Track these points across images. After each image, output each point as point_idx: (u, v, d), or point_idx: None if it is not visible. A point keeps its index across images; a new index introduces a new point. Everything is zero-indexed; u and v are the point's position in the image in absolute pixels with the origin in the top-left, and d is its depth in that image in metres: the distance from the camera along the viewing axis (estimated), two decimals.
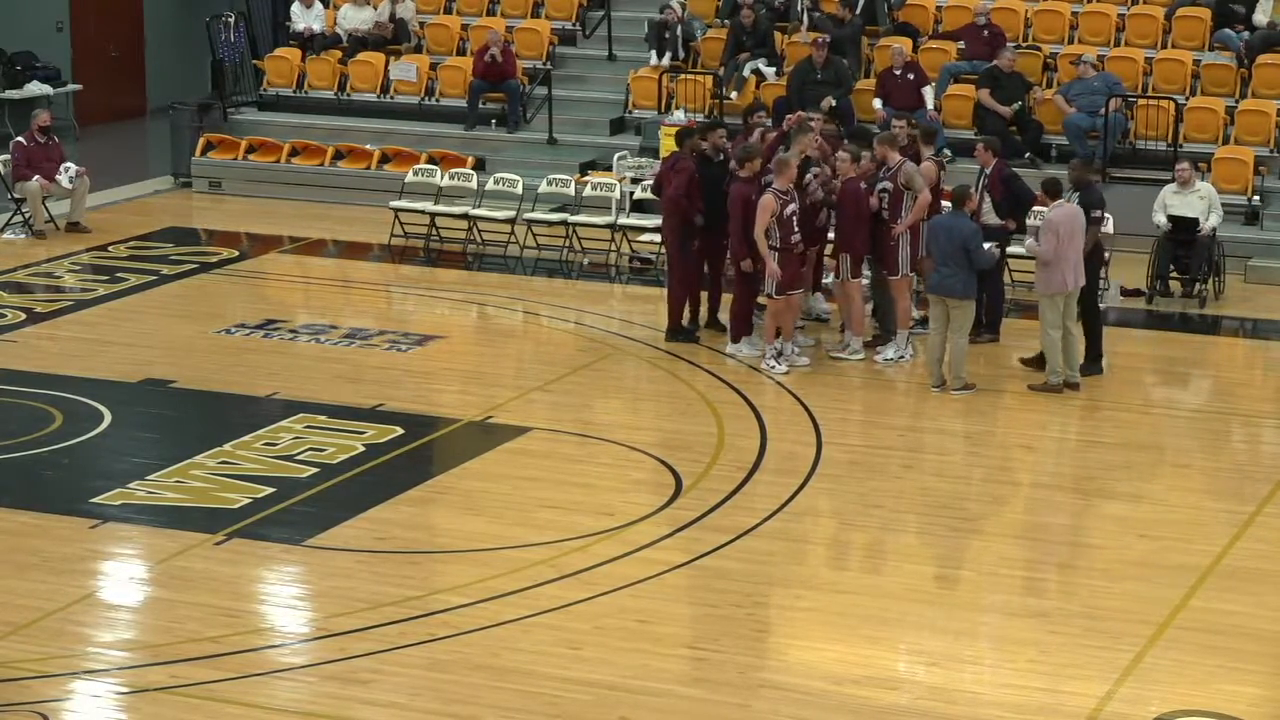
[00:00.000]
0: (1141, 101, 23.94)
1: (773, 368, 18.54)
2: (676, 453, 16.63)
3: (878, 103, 24.40)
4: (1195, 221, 21.11)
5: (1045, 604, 13.78)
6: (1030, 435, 17.44)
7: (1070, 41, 25.48)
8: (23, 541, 14.64)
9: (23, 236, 24.15)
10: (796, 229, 18.29)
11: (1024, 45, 25.32)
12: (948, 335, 18.09)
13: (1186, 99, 24.07)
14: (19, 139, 24.80)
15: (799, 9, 26.26)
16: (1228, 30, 24.75)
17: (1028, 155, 23.87)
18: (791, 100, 24.24)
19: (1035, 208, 19.58)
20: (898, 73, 24.47)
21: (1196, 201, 21.23)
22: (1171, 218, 21.12)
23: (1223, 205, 21.57)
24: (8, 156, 24.63)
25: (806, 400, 17.90)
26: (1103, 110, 23.60)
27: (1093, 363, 18.62)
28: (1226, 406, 18.71)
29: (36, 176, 24.20)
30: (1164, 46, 25.09)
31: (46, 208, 24.37)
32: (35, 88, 29.30)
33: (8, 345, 19.65)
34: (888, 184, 18.67)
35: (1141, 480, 16.58)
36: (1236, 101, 24.11)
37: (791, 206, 18.26)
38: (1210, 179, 22.35)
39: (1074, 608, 13.57)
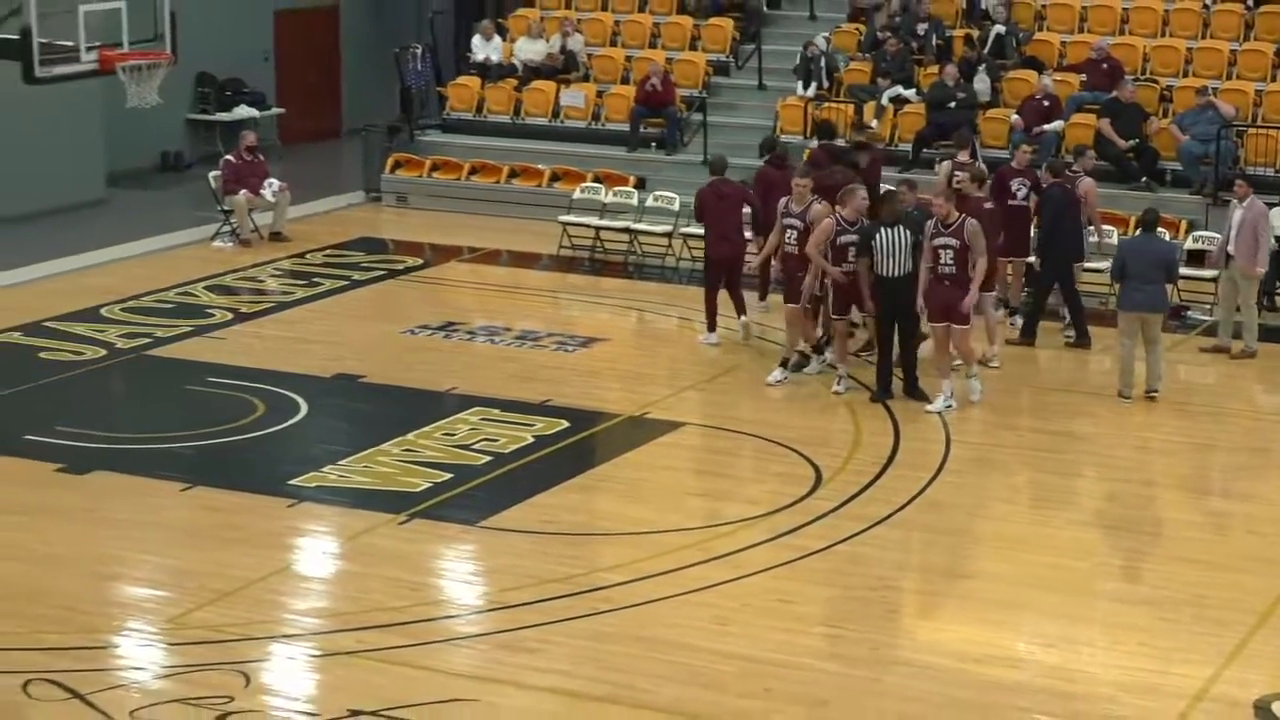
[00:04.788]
0: (1251, 130, 23.60)
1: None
2: (816, 447, 16.57)
3: (1015, 119, 24.28)
4: None
5: (1156, 592, 13.61)
6: (1143, 437, 17.23)
7: (1185, 75, 25.16)
8: (229, 518, 14.85)
9: (230, 244, 24.47)
10: (851, 259, 17.71)
11: (1142, 78, 25.03)
12: (1146, 346, 17.87)
13: None
14: (228, 157, 25.16)
15: (932, 43, 26.16)
16: None
17: (1144, 180, 23.61)
18: (931, 122, 24.36)
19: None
20: (1038, 97, 24.33)
21: None
22: (1276, 237, 20.79)
23: None
24: (218, 172, 24.98)
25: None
26: (1215, 139, 23.29)
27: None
28: None
29: (243, 190, 24.54)
30: (1273, 80, 24.71)
31: (252, 218, 24.69)
32: (243, 111, 29.65)
33: (217, 342, 19.91)
34: (951, 240, 17.31)
35: (1249, 481, 16.36)
36: None
37: (847, 236, 17.78)
38: None
39: (1183, 596, 13.40)
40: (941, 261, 17.31)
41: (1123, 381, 18.07)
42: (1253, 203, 19.40)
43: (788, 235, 18.26)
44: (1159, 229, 18.92)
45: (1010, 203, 19.75)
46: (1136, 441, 17.15)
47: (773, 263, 19.13)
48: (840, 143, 21.78)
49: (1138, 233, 18.89)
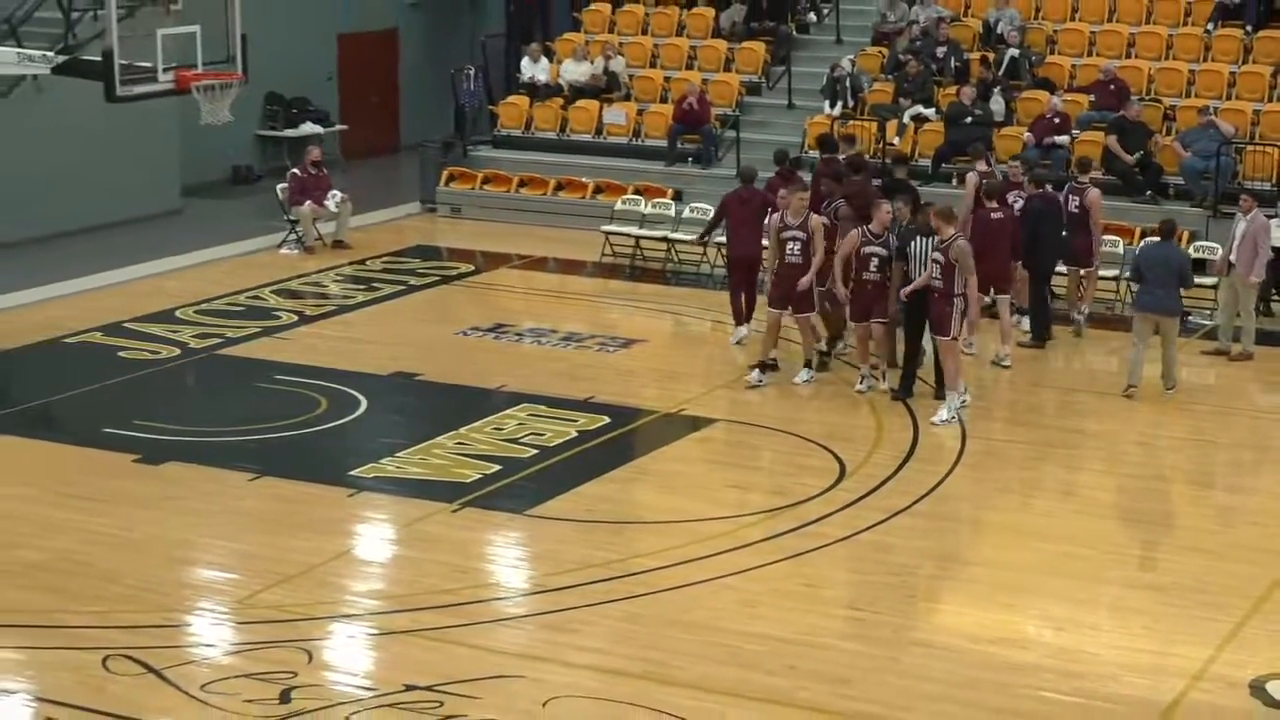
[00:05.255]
0: (1249, 147, 23.49)
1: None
2: (841, 442, 16.55)
3: (1027, 135, 24.24)
4: None
5: (1159, 579, 13.57)
6: (1149, 434, 17.16)
7: (1188, 95, 25.06)
8: (293, 507, 14.89)
9: (296, 251, 24.54)
10: (873, 269, 17.67)
11: (1147, 98, 24.94)
12: (1163, 346, 17.95)
13: None
14: (294, 170, 25.23)
15: (951, 65, 26.12)
16: None
17: (1149, 193, 23.54)
18: (949, 138, 24.35)
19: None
20: (1048, 115, 24.27)
21: None
22: (1274, 248, 20.65)
23: None
24: (285, 185, 25.05)
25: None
26: (1215, 155, 23.19)
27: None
28: None
29: (308, 201, 24.62)
30: (1270, 100, 24.60)
31: (316, 228, 24.76)
32: (308, 128, 29.72)
33: (283, 342, 19.97)
34: (939, 256, 17.11)
35: (1248, 475, 16.30)
36: None
37: (871, 248, 17.69)
38: None
39: (1184, 583, 13.35)
40: (931, 275, 17.18)
41: (1130, 378, 18.03)
42: (1256, 216, 19.34)
43: (790, 247, 18.01)
44: (1174, 238, 18.84)
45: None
46: (1142, 438, 17.08)
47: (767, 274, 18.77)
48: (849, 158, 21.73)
49: (1155, 240, 18.90)
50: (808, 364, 18.43)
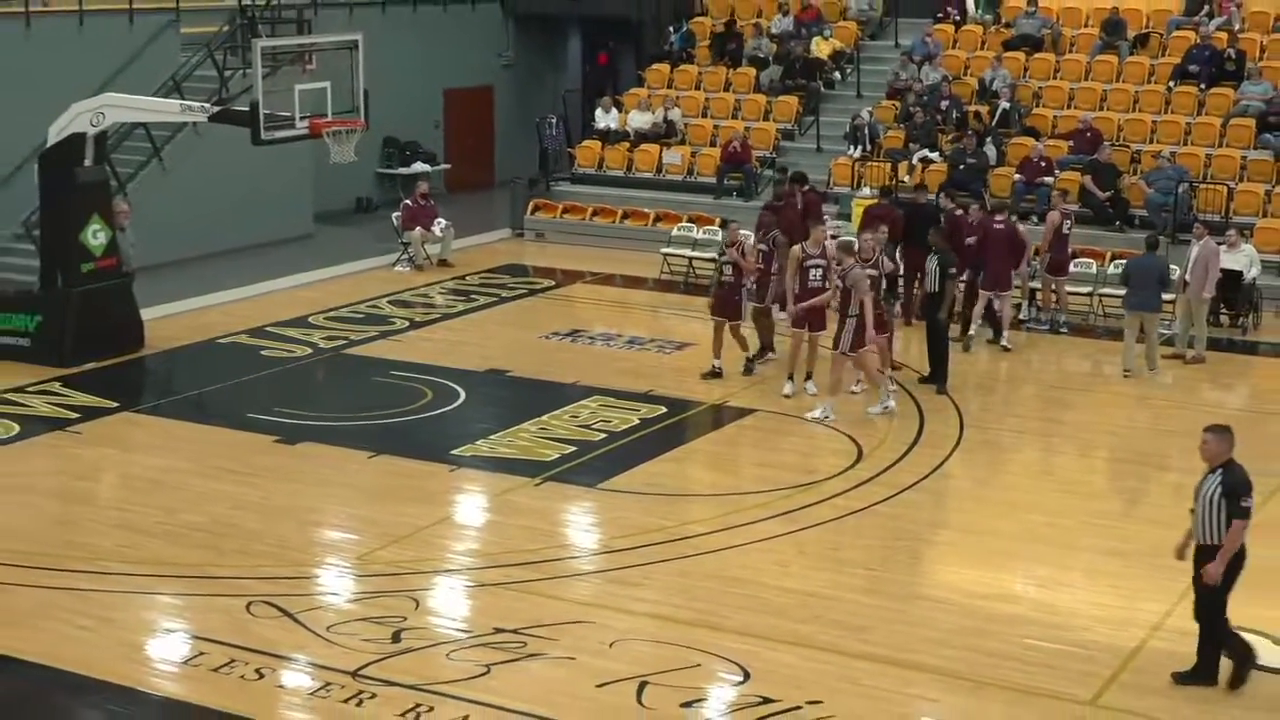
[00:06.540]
0: (1203, 186, 23.25)
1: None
2: (859, 429, 16.46)
3: (1018, 176, 24.07)
4: (1240, 273, 20.52)
5: (1125, 545, 13.44)
6: (1117, 424, 17.02)
7: (1151, 141, 24.82)
8: (404, 480, 14.92)
9: (407, 269, 24.56)
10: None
11: (1117, 143, 24.71)
12: (1146, 336, 18.40)
13: (1236, 184, 23.34)
14: (406, 201, 25.26)
15: (952, 116, 25.97)
16: (1268, 134, 23.95)
17: (1117, 223, 23.34)
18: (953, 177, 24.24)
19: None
20: (1034, 158, 24.10)
21: (1241, 258, 20.62)
22: (1223, 270, 20.46)
23: (1261, 261, 21.01)
24: (399, 213, 25.10)
25: (953, 394, 17.62)
26: (1174, 192, 22.99)
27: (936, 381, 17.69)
28: (1259, 405, 18.10)
29: (418, 227, 24.63)
30: (1220, 146, 24.35)
31: (424, 249, 24.79)
32: (418, 166, 29.76)
33: (397, 344, 20.00)
34: (839, 281, 16.72)
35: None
36: (1273, 186, 23.31)
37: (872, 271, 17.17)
38: (1252, 242, 21.64)
39: (1146, 549, 13.19)
40: (831, 298, 17.00)
41: (1125, 364, 18.41)
42: (1207, 242, 19.19)
43: (812, 274, 17.39)
44: (1156, 250, 19.03)
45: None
46: (1112, 428, 16.94)
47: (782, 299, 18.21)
48: (871, 191, 21.65)
49: (1141, 252, 19.18)
50: (791, 375, 17.82)
